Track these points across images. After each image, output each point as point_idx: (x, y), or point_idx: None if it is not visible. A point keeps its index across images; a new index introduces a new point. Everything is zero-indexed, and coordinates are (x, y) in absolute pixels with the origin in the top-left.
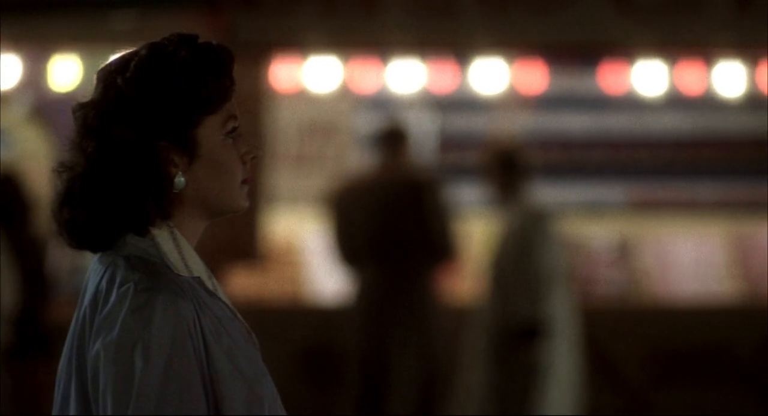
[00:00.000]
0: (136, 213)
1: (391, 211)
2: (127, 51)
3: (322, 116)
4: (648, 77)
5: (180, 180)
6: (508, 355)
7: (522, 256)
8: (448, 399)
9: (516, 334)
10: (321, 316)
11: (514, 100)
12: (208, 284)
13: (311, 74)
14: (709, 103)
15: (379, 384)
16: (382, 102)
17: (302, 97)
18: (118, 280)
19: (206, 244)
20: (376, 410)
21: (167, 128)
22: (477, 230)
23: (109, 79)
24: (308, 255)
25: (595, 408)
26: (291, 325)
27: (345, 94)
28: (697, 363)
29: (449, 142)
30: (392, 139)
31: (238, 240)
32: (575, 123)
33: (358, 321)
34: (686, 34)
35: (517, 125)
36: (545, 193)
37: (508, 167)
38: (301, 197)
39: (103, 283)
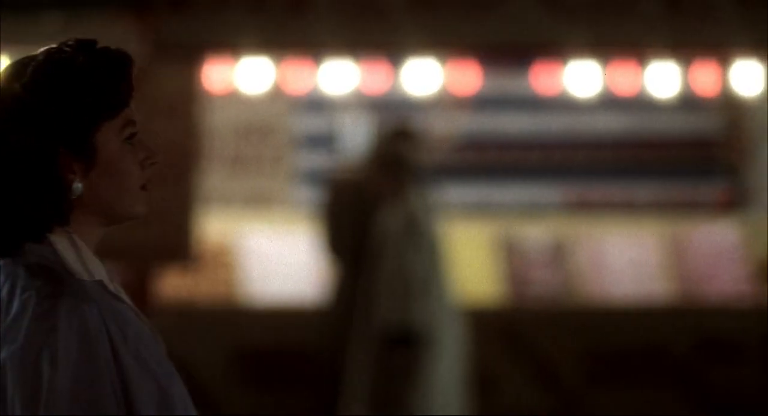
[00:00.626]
0: (34, 220)
1: (369, 213)
2: (25, 56)
3: (258, 117)
4: (581, 78)
5: (77, 186)
6: (379, 362)
7: (394, 259)
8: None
9: (386, 341)
10: (254, 318)
11: (447, 101)
12: (111, 287)
13: (243, 75)
14: (642, 103)
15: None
16: (316, 103)
17: (235, 98)
18: (19, 288)
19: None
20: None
21: (65, 134)
22: None
23: (5, 85)
24: (242, 257)
25: (529, 409)
26: (224, 327)
27: (278, 95)
28: (632, 364)
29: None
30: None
31: (171, 241)
32: (509, 124)
33: (331, 322)
34: (619, 34)
35: (452, 125)
36: (480, 194)
37: (395, 167)
38: (237, 198)
39: (4, 292)
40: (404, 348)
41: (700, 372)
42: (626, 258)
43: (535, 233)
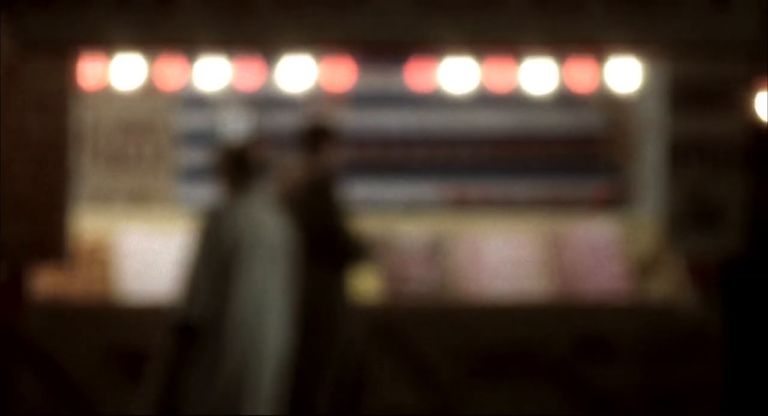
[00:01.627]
0: None
1: (296, 212)
2: None
3: (138, 115)
4: (456, 75)
5: None
6: (167, 353)
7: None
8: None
9: (171, 331)
10: (129, 316)
11: (323, 98)
12: None
13: (117, 72)
14: (519, 100)
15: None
16: (197, 100)
17: (111, 95)
18: None
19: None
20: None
21: None
22: None
23: None
24: (120, 255)
25: (406, 407)
26: (98, 325)
27: (153, 92)
28: (510, 362)
29: (263, 140)
30: (313, 138)
31: (45, 238)
32: (386, 121)
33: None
34: (494, 31)
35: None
36: (359, 191)
37: (241, 164)
38: (117, 196)
39: None
40: (180, 338)
41: (578, 369)
42: (505, 255)
43: (414, 230)
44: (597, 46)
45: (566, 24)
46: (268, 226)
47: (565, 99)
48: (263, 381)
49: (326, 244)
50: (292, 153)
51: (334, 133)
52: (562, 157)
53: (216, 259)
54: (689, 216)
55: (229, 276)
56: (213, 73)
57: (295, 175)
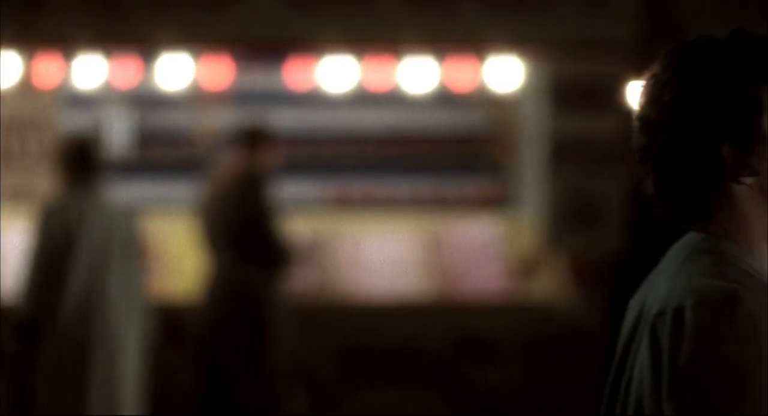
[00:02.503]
0: None
1: (226, 212)
2: None
3: (21, 112)
4: (335, 73)
5: None
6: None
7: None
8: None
9: (12, 329)
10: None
11: (202, 97)
12: None
13: None
14: (398, 99)
15: (218, 378)
16: (81, 98)
17: None
18: None
19: None
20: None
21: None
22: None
23: None
24: (3, 252)
25: (287, 406)
26: None
27: (30, 90)
28: (389, 361)
29: (146, 139)
30: (249, 137)
31: None
32: (267, 119)
33: (204, 316)
34: (373, 30)
35: (210, 121)
36: None
37: (81, 160)
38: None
39: None
40: (19, 336)
41: (458, 369)
42: (386, 255)
43: (294, 229)
44: (476, 45)
45: (445, 22)
46: (103, 222)
47: (446, 98)
48: (117, 373)
49: (254, 244)
50: (228, 151)
51: (270, 134)
52: (444, 156)
53: (47, 254)
54: (570, 215)
55: (60, 272)
56: (90, 71)
57: (229, 173)
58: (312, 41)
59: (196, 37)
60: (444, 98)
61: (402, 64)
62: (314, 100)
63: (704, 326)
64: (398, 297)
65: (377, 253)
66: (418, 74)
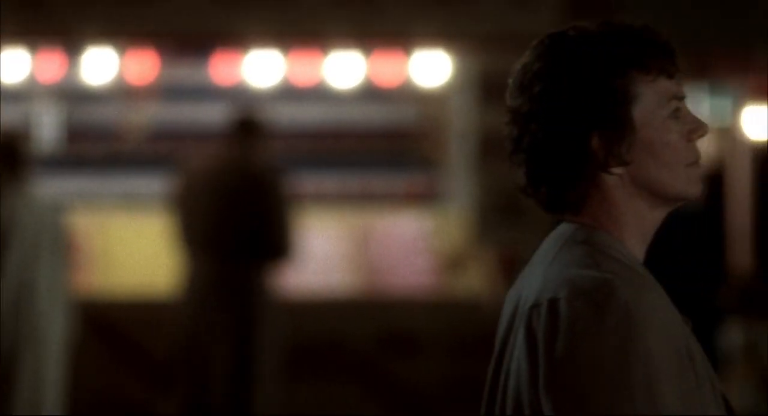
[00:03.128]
0: None
1: (229, 203)
2: None
3: None
4: (262, 67)
5: None
6: None
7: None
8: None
9: None
10: None
11: (128, 90)
12: None
13: None
14: (324, 93)
15: (201, 377)
16: (7, 93)
17: None
18: None
19: None
20: (200, 404)
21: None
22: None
23: None
24: None
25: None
26: None
27: None
28: (316, 357)
29: (74, 133)
30: (243, 129)
31: None
32: (190, 114)
33: (185, 313)
34: (299, 24)
35: (141, 116)
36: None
37: (9, 155)
38: None
39: None
40: None
41: (384, 364)
42: (314, 250)
43: None
44: (403, 39)
45: (371, 17)
46: (33, 218)
47: (372, 92)
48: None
49: (260, 237)
50: (217, 143)
51: (263, 126)
52: (372, 151)
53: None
54: (497, 210)
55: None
56: (16, 65)
57: (225, 165)
58: (238, 35)
59: (121, 31)
60: (371, 92)
61: (328, 58)
62: (240, 94)
63: (579, 317)
64: (325, 292)
65: (305, 249)
66: (344, 68)
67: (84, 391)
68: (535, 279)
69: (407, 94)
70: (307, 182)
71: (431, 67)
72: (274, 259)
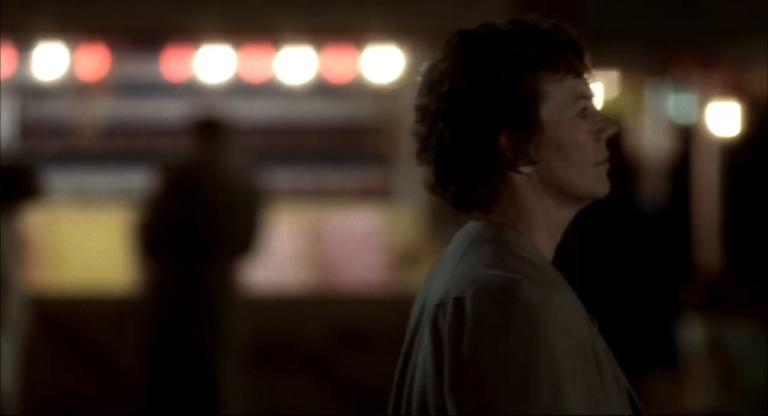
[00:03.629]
0: None
1: (196, 202)
2: None
3: None
4: (213, 63)
5: None
6: None
7: None
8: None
9: None
10: None
11: (80, 86)
12: None
13: None
14: (276, 89)
15: (167, 374)
16: None
17: None
18: None
19: None
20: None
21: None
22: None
23: None
24: None
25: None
26: None
27: None
28: (269, 353)
29: (28, 130)
30: (206, 130)
31: None
32: (141, 110)
33: (148, 311)
34: (251, 19)
35: (94, 112)
36: (116, 180)
37: None
38: None
39: None
40: None
41: (337, 361)
42: (267, 246)
43: None
44: (355, 35)
45: (323, 12)
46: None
47: (324, 88)
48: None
49: (223, 236)
50: (172, 139)
51: (225, 124)
52: (325, 146)
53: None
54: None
55: None
56: None
57: (189, 164)
58: (190, 31)
59: (73, 26)
60: (323, 88)
61: (280, 54)
62: (193, 89)
63: (484, 316)
64: (279, 288)
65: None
66: (296, 64)
67: (34, 386)
68: (443, 278)
69: (359, 89)
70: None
71: (383, 63)
72: (240, 256)
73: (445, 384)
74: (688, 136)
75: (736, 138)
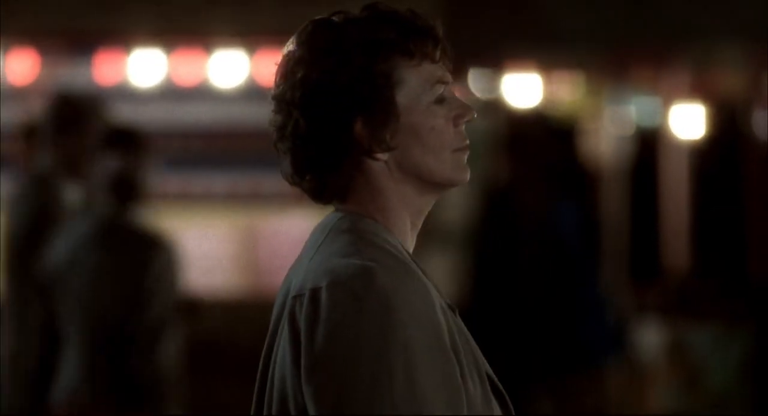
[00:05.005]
0: None
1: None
2: None
3: None
4: (144, 67)
5: None
6: None
7: None
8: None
9: None
10: None
11: (10, 91)
12: None
13: None
14: (207, 92)
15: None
16: None
17: None
18: None
19: None
20: None
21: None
22: None
23: None
24: None
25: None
26: None
27: None
28: (201, 358)
29: None
30: (132, 139)
31: None
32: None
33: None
34: (183, 23)
35: (24, 116)
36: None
37: None
38: None
39: None
40: None
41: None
42: (200, 250)
43: None
44: (286, 38)
45: (254, 15)
46: None
47: (257, 91)
48: None
49: None
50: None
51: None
52: (259, 150)
53: None
54: None
55: None
56: None
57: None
58: (120, 34)
59: (0, 29)
60: (255, 92)
61: (212, 57)
62: (123, 94)
63: (338, 306)
64: (212, 292)
65: (191, 249)
66: (227, 67)
67: None
68: (301, 269)
69: None
70: (194, 182)
71: None
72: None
73: (302, 374)
74: (651, 139)
75: (701, 140)
